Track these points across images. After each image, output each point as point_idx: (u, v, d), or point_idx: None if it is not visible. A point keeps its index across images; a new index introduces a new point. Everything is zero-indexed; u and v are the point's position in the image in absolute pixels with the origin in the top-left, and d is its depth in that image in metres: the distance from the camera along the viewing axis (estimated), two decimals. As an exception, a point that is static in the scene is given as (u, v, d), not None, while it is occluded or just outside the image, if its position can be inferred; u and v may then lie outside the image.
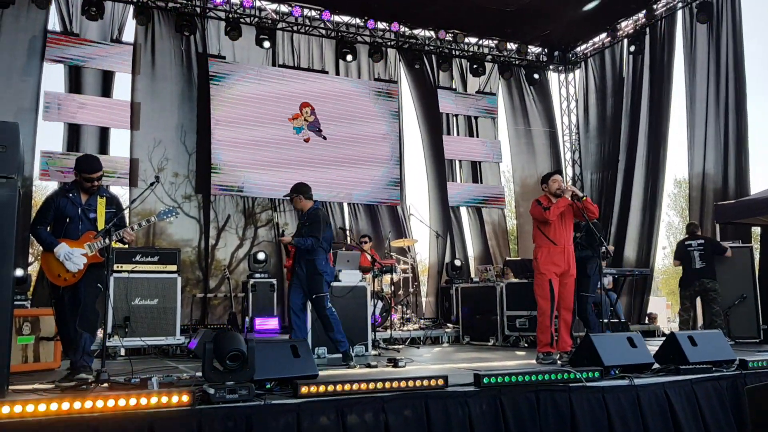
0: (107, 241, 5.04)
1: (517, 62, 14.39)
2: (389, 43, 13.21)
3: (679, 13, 12.03)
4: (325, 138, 12.39)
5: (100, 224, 5.13)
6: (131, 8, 11.15)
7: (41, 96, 10.27)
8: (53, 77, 10.71)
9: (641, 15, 12.71)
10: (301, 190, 6.60)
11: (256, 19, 11.90)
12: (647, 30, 12.66)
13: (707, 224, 10.64)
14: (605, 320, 7.08)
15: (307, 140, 12.24)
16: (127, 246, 5.80)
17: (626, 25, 13.10)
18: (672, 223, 30.56)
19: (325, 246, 6.43)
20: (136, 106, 11.03)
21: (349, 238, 11.16)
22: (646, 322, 10.98)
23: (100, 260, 5.07)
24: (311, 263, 6.35)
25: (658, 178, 12.44)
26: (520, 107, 14.45)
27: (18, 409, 3.15)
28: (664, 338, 5.74)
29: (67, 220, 5.05)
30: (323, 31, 12.65)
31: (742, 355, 5.36)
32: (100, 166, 5.18)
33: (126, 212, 5.59)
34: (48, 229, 5.08)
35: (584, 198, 6.40)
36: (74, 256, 4.94)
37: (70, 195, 5.11)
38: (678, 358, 4.98)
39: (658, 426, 4.38)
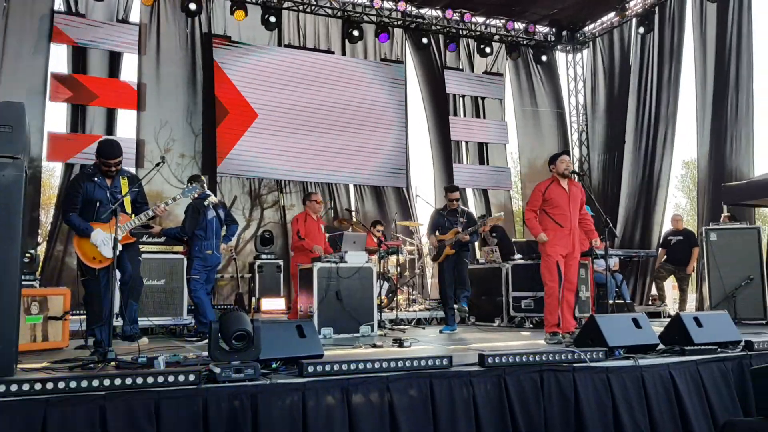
0: (136, 221, 5.35)
1: (524, 42, 14.27)
2: (396, 23, 13.11)
3: (689, -8, 11.89)
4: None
5: (127, 205, 5.39)
6: (137, -13, 11.10)
7: (48, 77, 10.27)
8: (59, 58, 10.69)
9: (650, -7, 12.58)
10: (190, 180, 7.29)
11: (262, -1, 11.82)
12: (656, 9, 12.52)
13: (716, 206, 10.58)
14: (610, 301, 7.08)
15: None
16: (152, 223, 6.08)
17: (635, 4, 12.95)
18: (679, 204, 30.54)
19: (199, 233, 7.06)
20: (142, 87, 11.02)
21: (355, 219, 11.18)
22: (649, 303, 10.98)
23: (132, 240, 5.45)
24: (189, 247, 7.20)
25: (665, 159, 12.38)
26: (528, 88, 14.35)
27: (26, 387, 3.18)
28: (669, 319, 5.73)
29: (98, 204, 5.26)
30: (329, 11, 12.56)
31: (748, 336, 5.35)
32: (120, 152, 5.38)
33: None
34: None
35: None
36: (110, 242, 5.08)
37: (96, 179, 5.32)
38: (683, 339, 4.97)
39: (662, 407, 4.39)
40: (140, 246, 7.79)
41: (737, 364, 4.82)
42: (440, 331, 7.95)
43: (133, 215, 5.45)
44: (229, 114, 11.48)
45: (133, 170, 10.75)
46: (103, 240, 5.15)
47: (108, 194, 5.29)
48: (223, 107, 11.44)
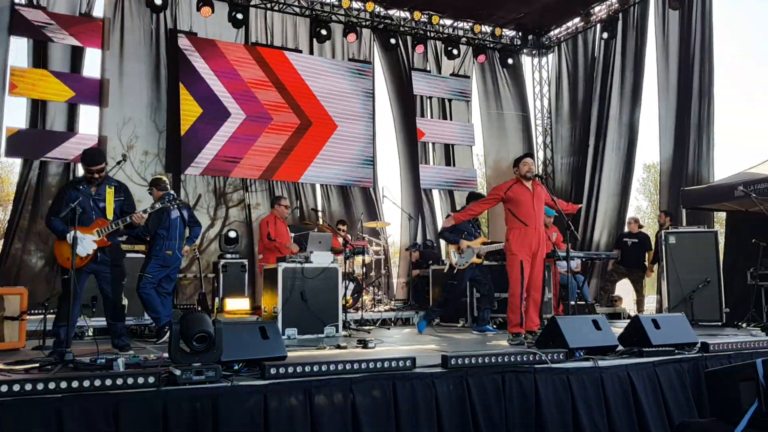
0: (113, 226, 5.54)
1: (491, 45, 14.38)
2: (364, 23, 13.10)
3: (652, 0, 12.11)
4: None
5: (109, 212, 5.63)
6: (99, -20, 10.89)
7: (7, 71, 10.02)
8: (18, 51, 10.42)
9: (614, 0, 12.76)
10: (152, 183, 7.37)
11: (229, -5, 11.70)
12: (620, 16, 12.74)
13: (677, 210, 10.80)
14: (572, 302, 7.17)
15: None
16: (135, 229, 6.09)
17: (599, 10, 13.15)
18: (640, 207, 31.09)
19: (162, 233, 7.01)
20: (105, 82, 10.82)
21: (321, 219, 11.15)
22: (609, 304, 11.15)
23: (108, 244, 5.62)
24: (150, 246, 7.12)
25: (628, 162, 12.60)
26: (494, 91, 14.48)
27: (-20, 389, 3.11)
28: (629, 321, 5.83)
29: (80, 210, 5.41)
30: (297, 9, 12.49)
31: (704, 338, 5.47)
32: (100, 159, 5.63)
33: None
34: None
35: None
36: (84, 241, 5.41)
37: (81, 187, 5.57)
38: (641, 341, 5.07)
39: (620, 407, 4.47)
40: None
41: (693, 366, 4.93)
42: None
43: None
44: (194, 111, 11.34)
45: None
46: (79, 239, 5.30)
47: (91, 201, 5.54)
48: (188, 104, 11.29)
